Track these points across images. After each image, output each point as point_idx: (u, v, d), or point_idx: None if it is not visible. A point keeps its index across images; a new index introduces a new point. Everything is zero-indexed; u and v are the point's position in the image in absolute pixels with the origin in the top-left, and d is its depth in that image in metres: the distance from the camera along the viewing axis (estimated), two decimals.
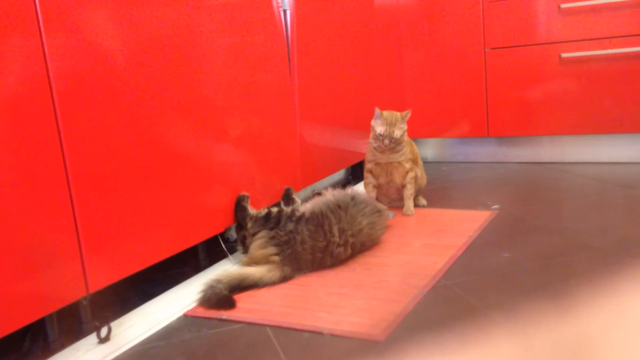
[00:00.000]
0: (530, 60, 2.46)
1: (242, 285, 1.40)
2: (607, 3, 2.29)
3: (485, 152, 2.71)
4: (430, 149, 2.84)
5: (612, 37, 2.31)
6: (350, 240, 1.54)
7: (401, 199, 2.02)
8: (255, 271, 1.43)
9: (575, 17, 2.36)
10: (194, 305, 1.36)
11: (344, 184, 2.46)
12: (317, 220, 1.51)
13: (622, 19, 2.28)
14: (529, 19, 2.44)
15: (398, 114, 1.92)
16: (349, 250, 1.54)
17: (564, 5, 2.36)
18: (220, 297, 1.33)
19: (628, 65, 2.30)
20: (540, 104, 2.47)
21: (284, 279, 1.44)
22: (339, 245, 1.52)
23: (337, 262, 1.52)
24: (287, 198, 1.78)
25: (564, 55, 2.39)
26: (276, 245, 1.48)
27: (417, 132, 2.74)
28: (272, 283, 1.43)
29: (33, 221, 1.06)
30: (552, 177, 2.31)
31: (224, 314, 1.29)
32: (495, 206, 1.94)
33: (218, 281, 1.37)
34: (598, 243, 1.53)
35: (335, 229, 1.51)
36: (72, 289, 1.14)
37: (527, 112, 2.50)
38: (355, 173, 2.57)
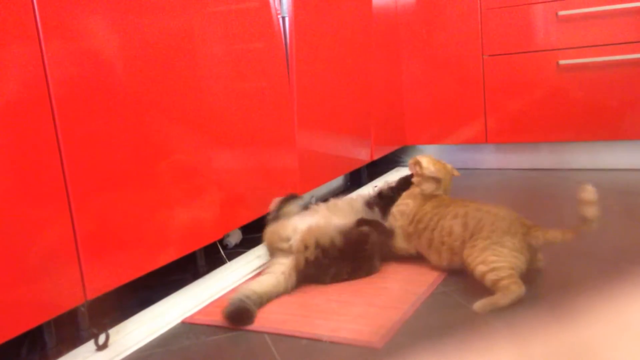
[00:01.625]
0: (528, 67, 2.47)
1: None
2: (604, 10, 2.30)
3: (484, 158, 2.71)
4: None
5: (610, 44, 2.31)
6: None
7: None
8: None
9: (573, 24, 2.37)
10: (192, 312, 1.36)
11: (342, 191, 2.46)
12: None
13: (620, 26, 2.29)
14: (527, 26, 2.44)
15: None
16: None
17: (561, 13, 2.37)
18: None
19: (626, 72, 2.31)
20: (538, 110, 2.48)
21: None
22: None
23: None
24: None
25: (562, 62, 2.39)
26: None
27: (415, 139, 2.75)
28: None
29: (31, 228, 1.06)
30: (551, 184, 2.31)
31: (222, 321, 1.29)
32: None
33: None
34: (597, 250, 1.53)
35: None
36: (70, 296, 1.14)
37: (525, 118, 2.51)
38: (355, 179, 2.57)
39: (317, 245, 1.42)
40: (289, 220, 1.54)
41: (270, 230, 1.55)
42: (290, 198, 1.65)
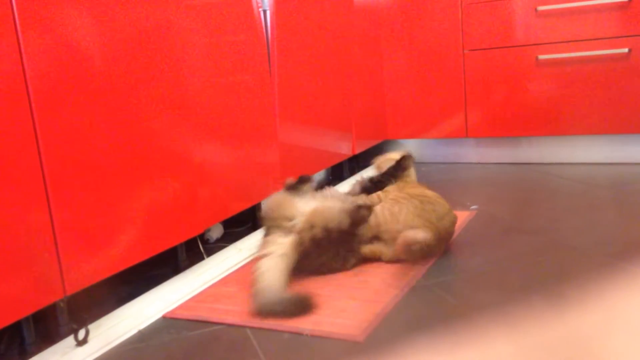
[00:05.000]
0: (508, 62, 2.49)
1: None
2: (583, 6, 2.33)
3: (464, 152, 2.73)
4: (410, 149, 2.85)
5: (588, 40, 2.34)
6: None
7: None
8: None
9: (552, 20, 2.39)
10: (173, 307, 1.35)
11: (326, 184, 2.46)
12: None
13: (598, 21, 2.32)
14: (507, 21, 2.46)
15: None
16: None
17: (540, 8, 2.39)
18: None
19: (604, 67, 2.33)
20: (518, 105, 2.50)
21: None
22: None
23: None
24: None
25: (541, 57, 2.41)
26: None
27: (396, 133, 2.75)
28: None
29: (9, 223, 1.04)
30: (530, 178, 2.34)
31: (204, 315, 1.28)
32: (474, 206, 1.96)
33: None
34: (576, 243, 1.55)
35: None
36: (49, 291, 1.13)
37: (505, 113, 2.53)
38: (336, 173, 2.57)
39: (325, 226, 1.41)
40: (294, 199, 1.51)
41: (275, 203, 1.51)
42: (304, 180, 1.65)
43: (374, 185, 1.69)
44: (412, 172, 1.76)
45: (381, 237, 1.49)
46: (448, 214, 1.52)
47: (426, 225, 1.44)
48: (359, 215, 1.46)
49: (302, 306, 1.25)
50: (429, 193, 1.57)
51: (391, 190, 1.65)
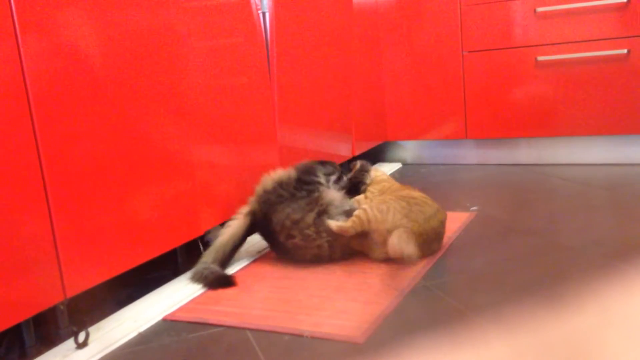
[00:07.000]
0: (507, 64, 2.49)
1: (227, 252, 1.55)
2: (582, 7, 2.33)
3: (464, 154, 2.73)
4: (409, 151, 2.86)
5: (587, 41, 2.34)
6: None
7: None
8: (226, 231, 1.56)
9: (551, 21, 2.39)
10: (173, 309, 1.35)
11: None
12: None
13: (597, 22, 2.32)
14: (506, 22, 2.46)
15: None
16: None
17: (539, 9, 2.39)
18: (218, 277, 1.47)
19: (603, 68, 2.34)
20: (517, 106, 2.50)
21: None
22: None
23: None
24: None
25: (540, 58, 2.42)
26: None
27: (396, 134, 2.76)
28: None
29: (9, 226, 1.04)
30: (530, 179, 2.34)
31: (203, 317, 1.28)
32: (474, 207, 1.96)
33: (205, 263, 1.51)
34: (576, 244, 1.55)
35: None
36: (49, 293, 1.13)
37: (505, 114, 2.53)
38: None
39: (277, 180, 1.61)
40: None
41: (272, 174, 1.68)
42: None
43: (354, 182, 1.75)
44: (380, 177, 1.76)
45: (371, 235, 1.50)
46: (436, 214, 1.53)
47: (413, 226, 1.45)
48: (304, 164, 1.66)
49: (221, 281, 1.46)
50: (416, 194, 1.59)
51: (370, 196, 1.68)
